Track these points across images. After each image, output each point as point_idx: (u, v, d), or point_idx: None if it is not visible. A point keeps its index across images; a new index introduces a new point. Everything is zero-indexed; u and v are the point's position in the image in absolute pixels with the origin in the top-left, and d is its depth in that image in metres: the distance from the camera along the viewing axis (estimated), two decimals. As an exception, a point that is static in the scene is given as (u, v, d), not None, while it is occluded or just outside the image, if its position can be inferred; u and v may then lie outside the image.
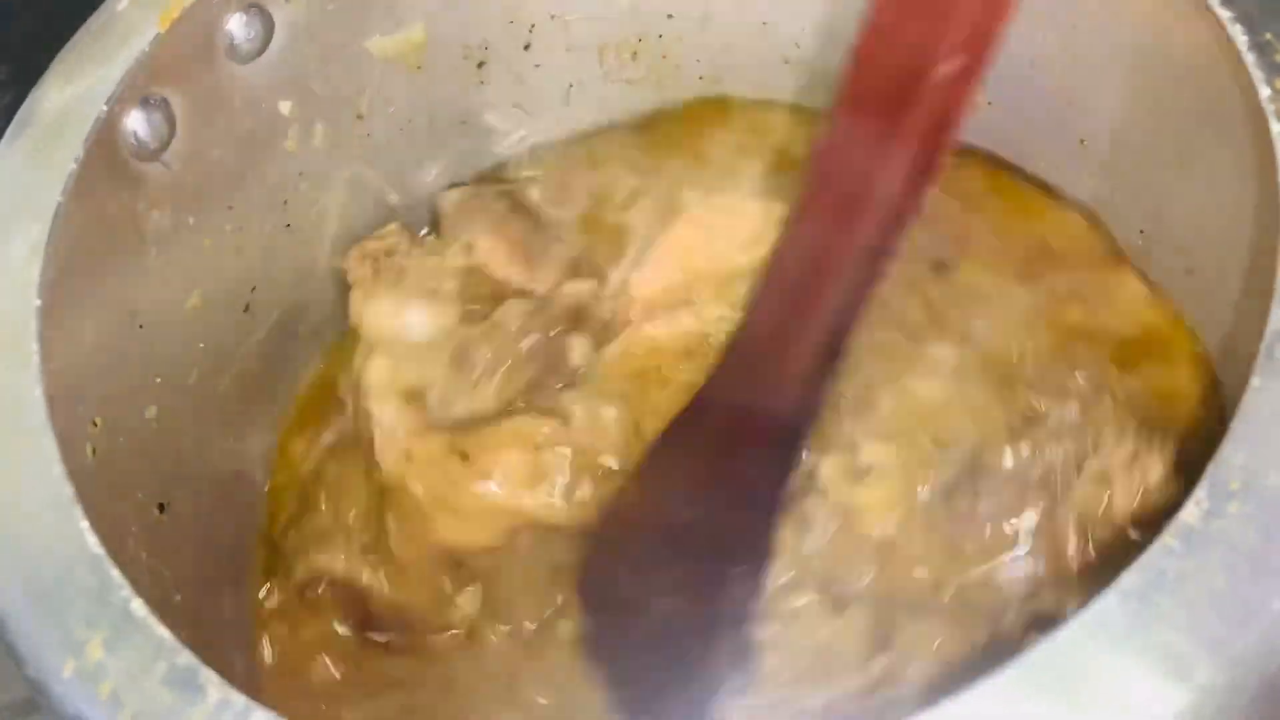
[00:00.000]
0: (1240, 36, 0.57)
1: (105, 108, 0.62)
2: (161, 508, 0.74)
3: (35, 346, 0.54)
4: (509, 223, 0.86)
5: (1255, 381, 0.47)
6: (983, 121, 0.86)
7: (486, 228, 0.86)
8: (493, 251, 0.85)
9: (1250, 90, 0.56)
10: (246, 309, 0.84)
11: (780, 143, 0.93)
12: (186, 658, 0.45)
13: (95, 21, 0.67)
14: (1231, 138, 0.64)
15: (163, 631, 0.46)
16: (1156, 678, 0.41)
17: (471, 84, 0.90)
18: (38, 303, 0.56)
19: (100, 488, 0.65)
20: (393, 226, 0.87)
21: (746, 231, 0.79)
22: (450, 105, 0.90)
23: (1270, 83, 0.56)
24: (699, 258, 0.82)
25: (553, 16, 0.88)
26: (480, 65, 0.89)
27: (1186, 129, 0.70)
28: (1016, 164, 0.86)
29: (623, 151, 0.94)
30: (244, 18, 0.73)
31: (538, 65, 0.91)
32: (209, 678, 0.44)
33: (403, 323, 0.81)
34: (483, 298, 0.83)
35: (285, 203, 0.84)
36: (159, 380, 0.74)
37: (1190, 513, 0.44)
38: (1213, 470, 0.45)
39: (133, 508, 0.70)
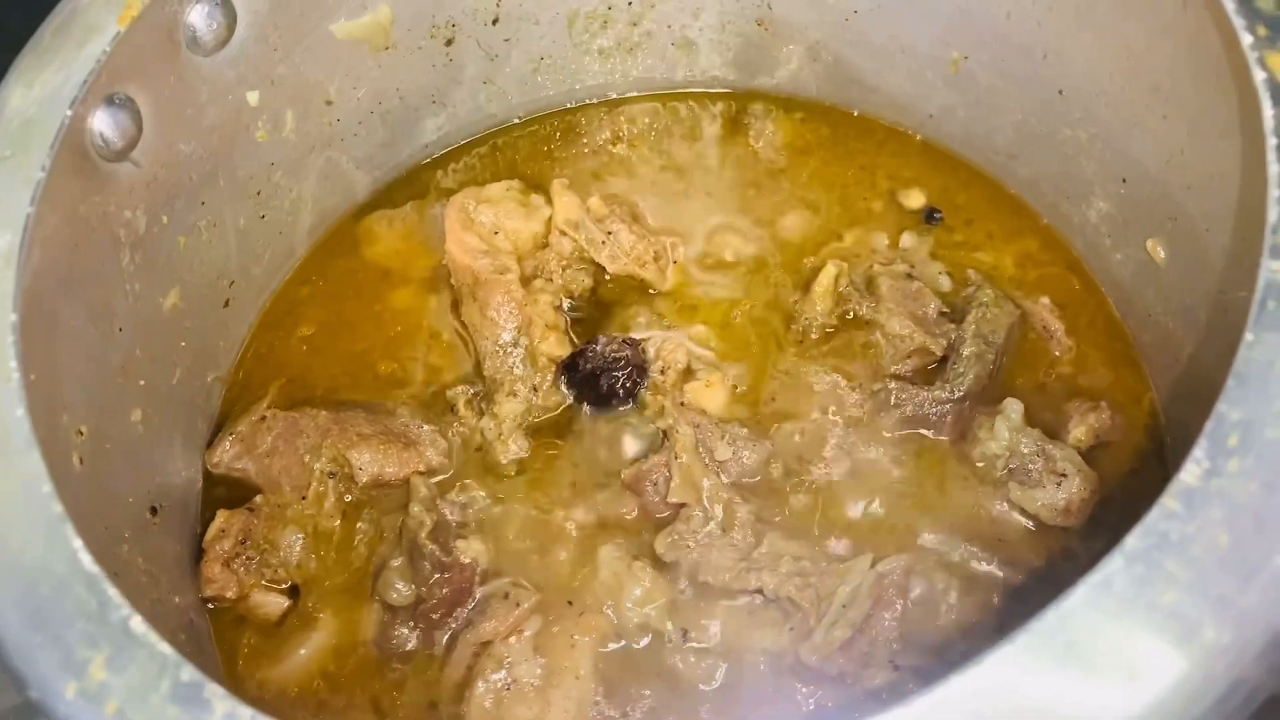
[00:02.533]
0: (1220, -15, 0.57)
1: (69, 111, 0.61)
2: (154, 510, 0.73)
3: (14, 365, 0.53)
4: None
5: (1249, 336, 0.47)
6: (958, 78, 0.86)
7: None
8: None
9: (1232, 38, 0.56)
10: (226, 304, 0.83)
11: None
12: (190, 672, 0.45)
13: (54, 20, 0.66)
14: (1214, 84, 0.63)
15: (165, 648, 0.45)
16: (1163, 640, 0.42)
17: (440, 62, 0.88)
18: (13, 318, 0.55)
19: (90, 496, 0.64)
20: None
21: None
22: (420, 84, 0.89)
23: (1252, 29, 0.55)
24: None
25: (520, -11, 0.86)
26: (449, 43, 0.87)
27: (1166, 77, 0.69)
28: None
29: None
30: (205, 8, 0.71)
31: (506, 40, 0.89)
32: (214, 691, 0.44)
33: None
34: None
35: (259, 193, 0.83)
36: (142, 383, 0.73)
37: (1190, 472, 0.44)
38: (1211, 427, 0.45)
39: (125, 513, 0.69)
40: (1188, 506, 0.43)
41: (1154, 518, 0.43)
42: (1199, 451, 0.44)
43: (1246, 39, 0.55)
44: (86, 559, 0.48)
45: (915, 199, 0.89)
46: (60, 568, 0.48)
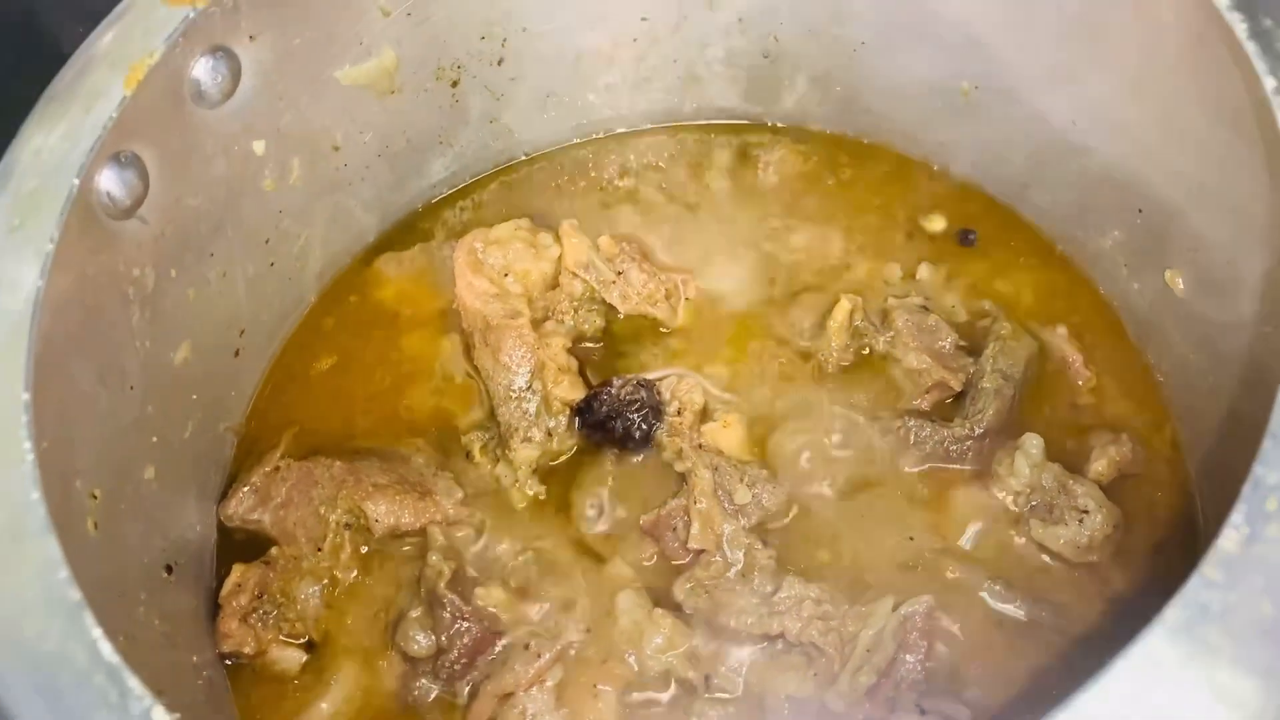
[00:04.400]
0: (1239, 24, 0.56)
1: (77, 180, 0.60)
2: (169, 569, 0.73)
3: (29, 445, 0.52)
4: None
5: (1284, 395, 0.46)
6: (969, 107, 0.85)
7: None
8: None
9: (1254, 81, 0.55)
10: (237, 354, 0.82)
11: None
12: (216, 762, 0.44)
13: (59, 84, 0.65)
14: (1233, 121, 0.62)
15: (188, 738, 0.45)
16: (1209, 715, 0.41)
17: (446, 104, 0.88)
18: (25, 396, 0.54)
19: (106, 560, 0.64)
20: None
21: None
22: (426, 126, 0.88)
23: (1275, 73, 0.54)
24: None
25: (524, 29, 0.86)
26: (454, 84, 0.87)
27: (1183, 111, 0.69)
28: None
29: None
30: (210, 62, 0.70)
31: (512, 79, 0.89)
32: (241, 782, 0.43)
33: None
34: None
35: (267, 242, 0.82)
36: (155, 439, 0.73)
37: (1229, 539, 0.43)
38: (1248, 492, 0.44)
39: (140, 574, 0.69)
40: (1228, 575, 0.43)
41: (1194, 587, 0.42)
42: (1237, 517, 0.44)
43: (1270, 84, 0.54)
44: (107, 648, 0.47)
45: (938, 223, 0.88)
46: (80, 657, 0.47)
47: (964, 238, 0.87)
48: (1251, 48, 0.55)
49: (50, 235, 0.58)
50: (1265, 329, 0.66)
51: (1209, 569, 0.43)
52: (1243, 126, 0.61)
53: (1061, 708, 0.41)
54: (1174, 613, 0.42)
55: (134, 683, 0.46)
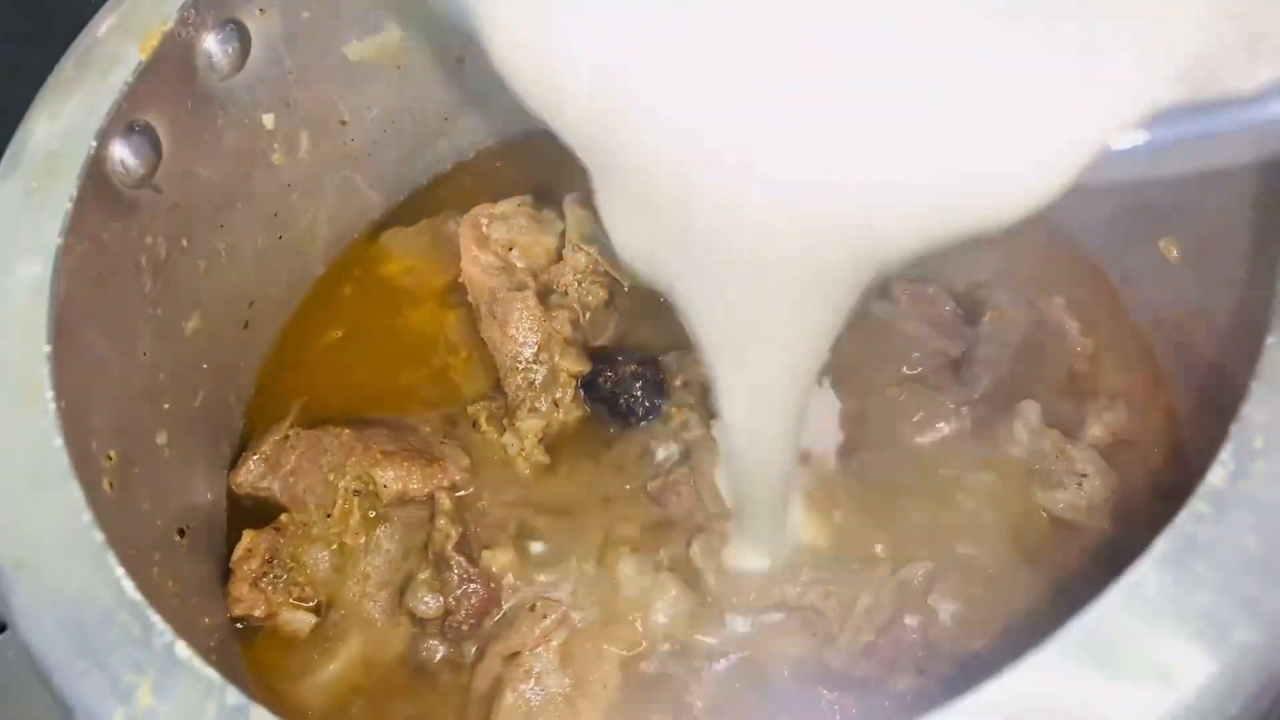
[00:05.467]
0: None
1: (94, 143, 0.61)
2: (181, 532, 0.74)
3: (51, 395, 0.54)
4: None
5: (1270, 339, 0.48)
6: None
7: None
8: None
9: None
10: (246, 325, 0.84)
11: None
12: (235, 695, 0.45)
13: (75, 51, 0.67)
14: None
15: (210, 672, 0.46)
16: (1195, 642, 0.42)
17: (452, 80, 0.89)
18: (48, 348, 0.55)
19: (121, 521, 0.65)
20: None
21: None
22: (432, 103, 0.90)
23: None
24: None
25: (529, 6, 0.87)
26: (459, 61, 0.88)
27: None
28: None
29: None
30: (220, 35, 0.72)
31: (517, 56, 0.90)
32: (259, 715, 0.45)
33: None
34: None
35: (276, 215, 0.84)
36: (167, 406, 0.74)
37: (1217, 475, 0.45)
38: (1236, 431, 0.45)
39: (154, 536, 0.70)
40: (1216, 509, 0.44)
41: (1182, 520, 0.44)
42: (1225, 454, 0.45)
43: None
44: (129, 586, 0.48)
45: None
46: (104, 596, 0.48)
47: None
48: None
49: (69, 195, 0.59)
50: (1256, 292, 0.67)
51: (1198, 503, 0.44)
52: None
53: (1055, 635, 0.43)
54: (1164, 543, 0.43)
55: (156, 618, 0.47)
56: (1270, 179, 0.63)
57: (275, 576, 0.76)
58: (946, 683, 0.71)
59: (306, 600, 0.77)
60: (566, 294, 0.85)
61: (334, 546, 0.78)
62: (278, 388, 0.86)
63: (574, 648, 0.73)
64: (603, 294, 0.86)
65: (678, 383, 0.81)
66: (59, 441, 0.53)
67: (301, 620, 0.76)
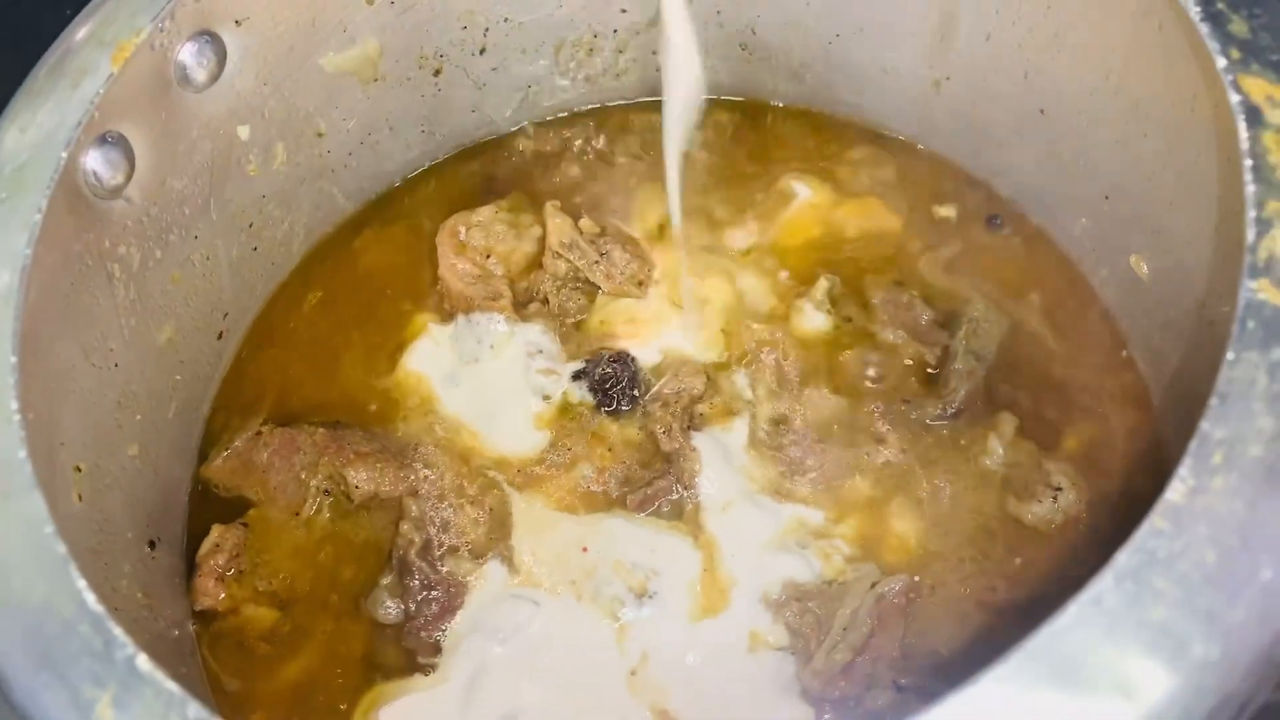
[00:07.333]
0: (1193, 7, 0.58)
1: (64, 154, 0.61)
2: (152, 544, 0.74)
3: (15, 406, 0.54)
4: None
5: (1230, 355, 0.48)
6: (940, 98, 0.87)
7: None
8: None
9: (1207, 60, 0.57)
10: (220, 336, 0.84)
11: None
12: (196, 710, 0.45)
13: (48, 60, 0.66)
14: (1190, 104, 0.64)
15: (171, 685, 0.46)
16: (1154, 657, 0.42)
17: (429, 92, 0.89)
18: (13, 359, 0.55)
19: (91, 533, 0.65)
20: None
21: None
22: (409, 114, 0.90)
23: (1226, 52, 0.56)
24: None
25: (506, 19, 0.87)
26: (437, 73, 0.88)
27: (1144, 96, 0.71)
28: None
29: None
30: (195, 46, 0.72)
31: (494, 69, 0.90)
32: (220, 728, 0.44)
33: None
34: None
35: (251, 225, 0.83)
36: (139, 418, 0.74)
37: (1176, 490, 0.45)
38: (1195, 446, 0.46)
39: (124, 548, 0.70)
40: (1175, 524, 0.44)
41: (1142, 535, 0.44)
42: (1184, 470, 0.45)
43: (1220, 62, 0.56)
44: (91, 598, 0.48)
45: (948, 209, 0.89)
46: (65, 608, 0.48)
47: (991, 221, 0.88)
48: (1205, 29, 0.57)
49: (38, 206, 0.59)
50: (1222, 309, 0.68)
51: (1157, 518, 0.44)
52: (1200, 110, 0.63)
53: (1015, 649, 0.43)
54: (1123, 558, 0.44)
55: (118, 631, 0.47)
56: (1230, 204, 0.64)
57: (240, 571, 0.77)
58: (925, 695, 0.70)
59: (270, 596, 0.76)
60: (546, 302, 0.85)
61: (300, 545, 0.78)
62: (251, 390, 0.86)
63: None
64: (582, 300, 0.86)
65: (670, 389, 0.81)
66: (23, 453, 0.52)
67: (264, 616, 0.76)
